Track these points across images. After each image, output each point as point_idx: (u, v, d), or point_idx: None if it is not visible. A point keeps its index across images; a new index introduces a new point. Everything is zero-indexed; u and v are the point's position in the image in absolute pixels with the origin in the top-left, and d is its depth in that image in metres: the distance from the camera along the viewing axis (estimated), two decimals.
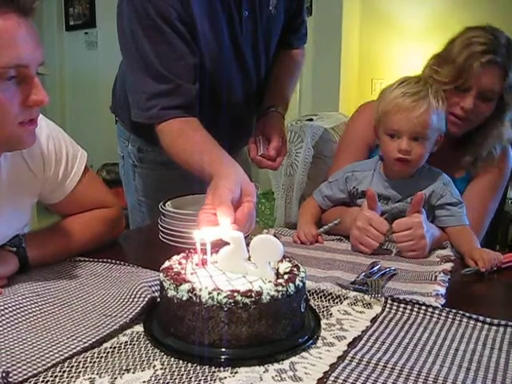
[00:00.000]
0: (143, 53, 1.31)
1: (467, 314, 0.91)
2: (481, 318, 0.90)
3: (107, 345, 0.79)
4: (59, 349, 0.77)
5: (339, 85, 3.83)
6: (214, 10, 1.36)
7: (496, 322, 0.89)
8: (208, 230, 0.89)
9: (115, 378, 0.71)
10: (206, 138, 1.27)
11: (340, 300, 0.96)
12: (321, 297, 0.97)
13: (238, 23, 1.42)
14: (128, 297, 0.91)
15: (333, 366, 0.74)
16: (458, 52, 1.36)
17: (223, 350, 0.76)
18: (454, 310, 0.92)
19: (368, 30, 4.12)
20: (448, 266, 1.18)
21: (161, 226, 1.31)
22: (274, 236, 0.98)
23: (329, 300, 0.96)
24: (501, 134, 1.46)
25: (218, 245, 0.87)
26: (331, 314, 0.91)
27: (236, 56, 1.47)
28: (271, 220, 2.47)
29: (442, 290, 1.04)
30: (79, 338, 0.79)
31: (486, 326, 0.89)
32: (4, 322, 0.83)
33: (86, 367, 0.73)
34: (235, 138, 1.58)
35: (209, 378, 0.71)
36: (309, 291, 0.96)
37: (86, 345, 0.78)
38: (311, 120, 2.24)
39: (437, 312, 0.92)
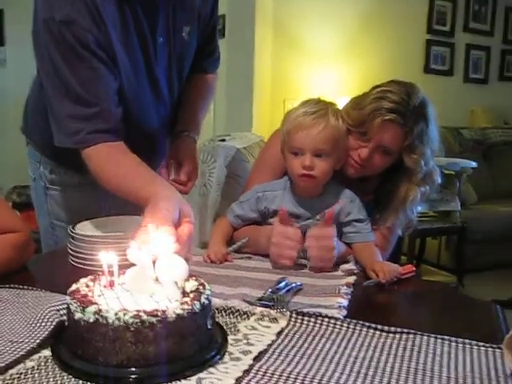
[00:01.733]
0: (64, 78, 1.29)
1: (366, 324, 0.97)
2: (379, 326, 0.96)
3: (13, 371, 0.78)
4: None
5: (252, 106, 3.91)
6: (129, 36, 1.37)
7: (393, 329, 0.95)
8: (149, 248, 0.89)
9: None
10: (136, 162, 1.28)
11: (247, 316, 0.99)
12: (229, 313, 0.99)
13: (152, 49, 1.43)
14: (35, 322, 0.90)
15: (238, 380, 0.77)
16: (369, 102, 1.40)
17: (131, 369, 0.77)
18: (354, 321, 0.97)
19: (280, 52, 4.24)
20: (351, 279, 1.24)
21: (70, 249, 1.31)
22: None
23: (236, 316, 0.98)
24: (407, 197, 1.47)
25: (126, 266, 0.88)
26: (238, 330, 0.94)
27: (150, 81, 1.48)
28: None
29: (345, 302, 1.09)
30: None
31: (384, 334, 0.95)
32: None
33: None
34: (148, 160, 1.60)
35: None
36: (217, 308, 0.98)
37: None
38: (224, 140, 2.28)
39: (338, 323, 0.97)
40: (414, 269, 1.32)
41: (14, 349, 0.83)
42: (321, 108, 1.39)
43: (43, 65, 1.35)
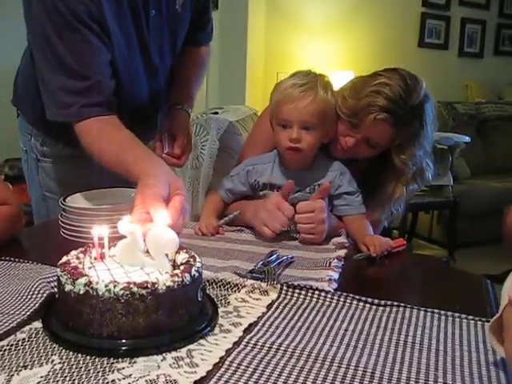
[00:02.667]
0: (56, 51, 1.27)
1: (357, 297, 0.97)
2: (369, 299, 0.97)
3: (4, 343, 0.78)
4: None
5: (245, 78, 3.89)
6: (121, 8, 1.35)
7: (383, 302, 0.96)
8: (143, 227, 0.89)
9: (12, 376, 0.70)
10: (128, 137, 1.26)
11: (238, 288, 0.99)
12: (219, 286, 1.00)
13: (144, 22, 1.42)
14: (26, 294, 0.90)
15: (228, 351, 0.78)
16: (366, 94, 1.35)
17: (122, 341, 0.77)
18: (344, 294, 0.98)
19: (273, 25, 4.20)
20: (342, 252, 1.24)
21: (61, 221, 1.30)
22: None
23: (227, 289, 0.99)
24: (394, 194, 1.46)
25: (116, 238, 0.88)
26: (229, 302, 0.94)
27: (142, 54, 1.47)
28: None
29: (335, 275, 1.10)
30: None
31: (374, 307, 0.95)
32: None
33: None
34: (140, 134, 1.59)
35: (107, 369, 0.73)
36: (208, 281, 0.99)
37: None
38: (216, 113, 2.27)
39: (329, 296, 0.98)
40: (405, 242, 1.33)
41: (5, 320, 0.83)
42: (310, 80, 1.37)
43: (35, 37, 1.33)
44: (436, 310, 0.94)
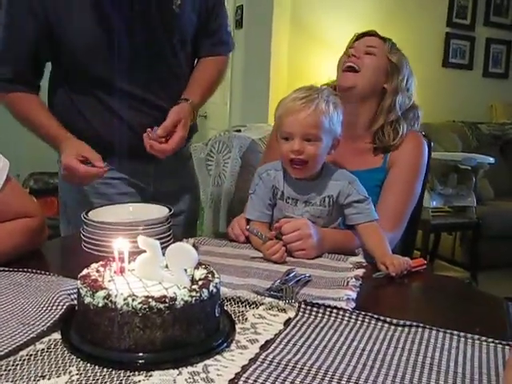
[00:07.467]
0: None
1: (375, 316, 0.96)
2: (387, 319, 0.96)
3: (23, 353, 0.79)
4: None
5: (268, 97, 3.90)
6: None
7: (401, 322, 0.95)
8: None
9: None
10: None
11: (256, 305, 0.99)
12: (237, 302, 1.00)
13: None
14: (47, 305, 0.91)
15: (244, 368, 0.78)
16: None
17: (138, 354, 0.78)
18: (362, 313, 0.97)
19: (297, 43, 4.22)
20: (360, 271, 1.24)
21: (83, 234, 1.32)
22: (193, 246, 1.01)
23: (245, 305, 0.99)
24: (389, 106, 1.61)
25: (136, 253, 0.89)
26: (246, 319, 0.94)
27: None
28: (200, 229, 2.50)
29: (353, 295, 1.09)
30: None
31: (392, 327, 0.95)
32: None
33: (1, 375, 0.73)
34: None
35: (124, 382, 0.73)
36: (225, 298, 0.99)
37: (2, 353, 0.78)
38: (239, 131, 2.29)
39: (347, 315, 0.97)
40: (425, 262, 1.32)
41: (25, 331, 0.84)
42: (311, 93, 1.39)
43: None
44: (455, 332, 0.93)
